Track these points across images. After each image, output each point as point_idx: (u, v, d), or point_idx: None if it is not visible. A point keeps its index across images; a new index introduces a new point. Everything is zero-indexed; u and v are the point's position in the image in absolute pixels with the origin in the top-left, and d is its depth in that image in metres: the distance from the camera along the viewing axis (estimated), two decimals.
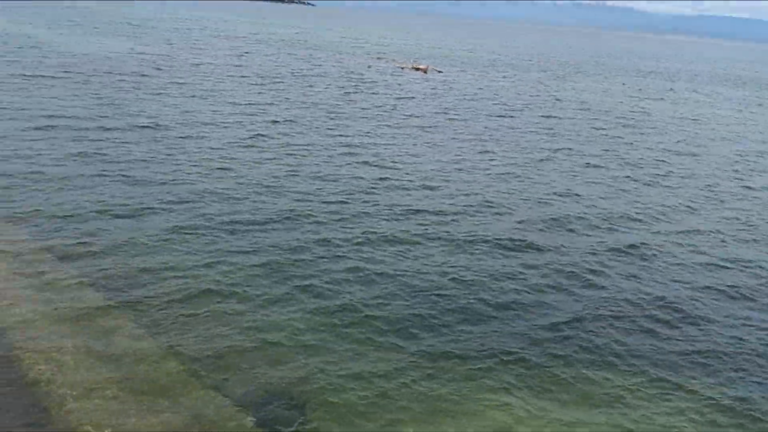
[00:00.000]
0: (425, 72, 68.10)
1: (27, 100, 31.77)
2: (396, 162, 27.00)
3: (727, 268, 18.73)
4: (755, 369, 13.34)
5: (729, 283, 17.54)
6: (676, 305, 15.83)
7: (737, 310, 16.01)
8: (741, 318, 15.60)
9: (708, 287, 17.17)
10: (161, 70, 48.71)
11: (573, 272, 17.14)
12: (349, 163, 26.16)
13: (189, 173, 22.64)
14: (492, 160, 29.14)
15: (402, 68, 70.14)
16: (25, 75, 39.22)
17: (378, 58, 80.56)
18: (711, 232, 21.80)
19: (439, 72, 70.12)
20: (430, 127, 36.16)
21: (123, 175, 21.69)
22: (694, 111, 55.01)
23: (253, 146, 27.51)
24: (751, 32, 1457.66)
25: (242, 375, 11.52)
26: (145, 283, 14.36)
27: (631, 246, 19.46)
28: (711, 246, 20.45)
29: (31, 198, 18.85)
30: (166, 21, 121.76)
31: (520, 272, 16.89)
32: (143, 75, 44.87)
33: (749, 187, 28.60)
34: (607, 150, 33.69)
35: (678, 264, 18.58)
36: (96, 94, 35.56)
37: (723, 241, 20.99)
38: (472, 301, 15.06)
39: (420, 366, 12.25)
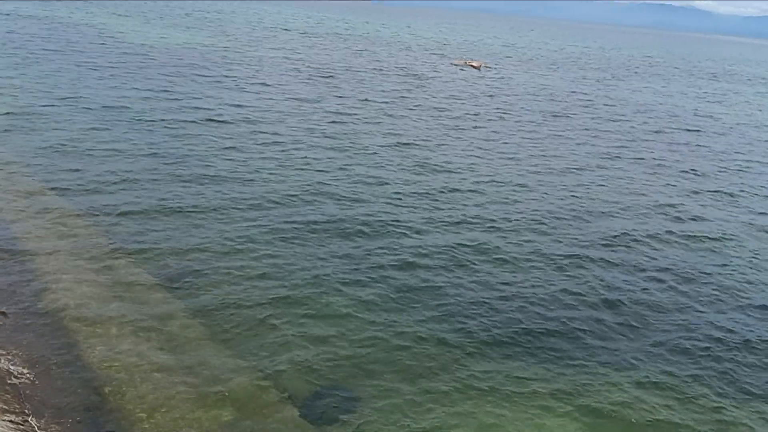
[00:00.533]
0: (478, 69, 67.04)
1: (84, 91, 32.25)
2: (444, 164, 26.16)
3: None
4: None
5: None
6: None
7: None
8: None
9: None
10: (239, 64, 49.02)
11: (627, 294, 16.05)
12: (400, 165, 25.52)
13: (243, 173, 22.33)
14: (540, 164, 27.97)
15: (456, 65, 69.17)
16: (86, 65, 40.10)
17: (436, 55, 79.74)
18: None
19: (491, 69, 68.96)
20: (480, 126, 35.17)
21: (183, 173, 21.55)
22: None
23: (304, 144, 27.13)
24: None
25: (296, 370, 11.56)
26: (215, 288, 14.15)
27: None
28: None
29: (94, 194, 18.84)
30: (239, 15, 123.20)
31: (572, 293, 15.89)
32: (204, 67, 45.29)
33: None
34: (671, 154, 32.17)
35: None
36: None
37: None
38: (521, 320, 14.27)
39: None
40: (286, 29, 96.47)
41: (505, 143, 31.63)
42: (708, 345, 13.93)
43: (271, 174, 22.48)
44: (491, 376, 12.01)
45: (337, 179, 22.69)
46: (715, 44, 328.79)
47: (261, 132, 28.18)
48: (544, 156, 29.63)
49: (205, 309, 13.25)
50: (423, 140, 30.12)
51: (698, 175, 28.93)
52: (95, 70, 38.90)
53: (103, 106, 29.27)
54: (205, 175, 21.44)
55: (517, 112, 41.03)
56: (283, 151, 25.68)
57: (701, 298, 16.25)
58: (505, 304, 14.80)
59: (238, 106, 33.15)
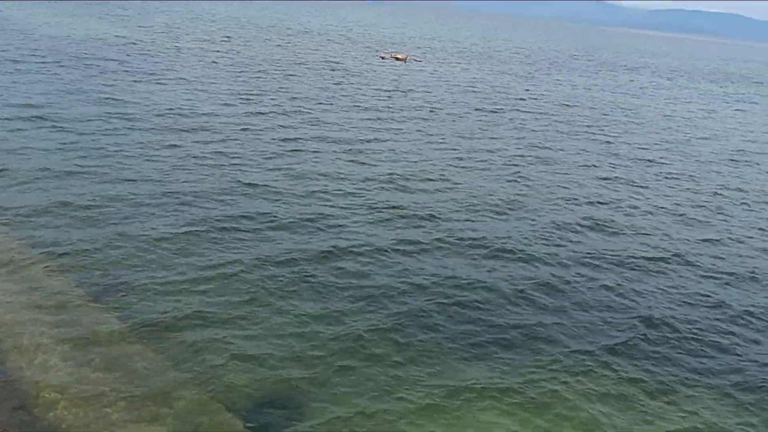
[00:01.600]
0: (404, 61, 67.21)
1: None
2: (368, 158, 26.10)
3: None
4: None
5: None
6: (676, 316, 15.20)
7: None
8: None
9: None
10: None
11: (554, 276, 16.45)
12: (323, 158, 25.24)
13: (167, 170, 21.51)
14: (465, 157, 28.30)
15: (382, 57, 69.10)
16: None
17: (364, 48, 79.38)
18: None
19: (419, 61, 69.26)
20: (400, 119, 35.17)
21: (101, 172, 20.52)
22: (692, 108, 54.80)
23: (224, 139, 26.37)
24: (725, 28, 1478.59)
25: (239, 381, 11.22)
26: (147, 300, 13.40)
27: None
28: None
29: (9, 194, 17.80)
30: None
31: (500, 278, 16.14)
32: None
33: None
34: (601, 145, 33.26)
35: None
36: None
37: None
38: (431, 302, 14.49)
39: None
40: (213, 21, 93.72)
41: (427, 135, 31.80)
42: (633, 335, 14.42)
43: (189, 172, 21.60)
44: (428, 375, 11.97)
45: (262, 175, 22.24)
46: (624, 37, 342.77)
47: (178, 129, 27.07)
48: (469, 149, 29.92)
49: (139, 323, 12.53)
50: (344, 134, 29.79)
51: (624, 167, 30.05)
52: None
53: (7, 104, 27.49)
54: (123, 177, 20.38)
55: (438, 105, 41.29)
56: (202, 147, 24.78)
57: (623, 283, 16.84)
58: (439, 301, 14.77)
59: (151, 100, 31.80)
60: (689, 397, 12.31)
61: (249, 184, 20.91)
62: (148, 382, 10.93)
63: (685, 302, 16.31)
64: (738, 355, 14.08)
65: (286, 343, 12.44)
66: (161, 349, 11.85)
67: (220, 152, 24.24)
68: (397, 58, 68.68)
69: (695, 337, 14.61)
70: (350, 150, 27.04)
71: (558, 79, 68.21)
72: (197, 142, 25.39)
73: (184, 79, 39.17)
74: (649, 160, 32.03)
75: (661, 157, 33.04)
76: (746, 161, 34.91)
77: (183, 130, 26.74)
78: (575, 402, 11.66)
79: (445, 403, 11.26)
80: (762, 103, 69.51)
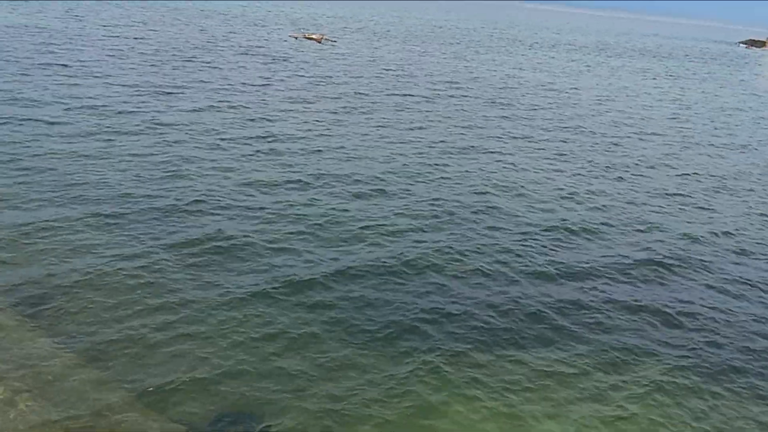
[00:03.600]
0: (319, 42, 66.13)
1: None
2: (288, 143, 25.56)
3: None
4: None
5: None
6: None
7: None
8: None
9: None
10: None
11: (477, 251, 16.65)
12: (241, 144, 24.47)
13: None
14: (381, 139, 28.26)
15: (295, 38, 67.78)
16: None
17: (274, 29, 77.57)
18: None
19: (334, 42, 68.32)
20: (304, 101, 34.34)
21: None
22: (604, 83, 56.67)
23: (141, 129, 25.20)
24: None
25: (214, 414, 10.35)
26: (82, 317, 12.32)
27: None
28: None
29: None
30: None
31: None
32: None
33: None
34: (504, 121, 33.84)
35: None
36: None
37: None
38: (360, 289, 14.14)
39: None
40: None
41: (341, 118, 31.09)
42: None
43: (102, 169, 20.05)
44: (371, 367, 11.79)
45: (179, 164, 21.15)
46: (531, 12, 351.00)
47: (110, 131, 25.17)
48: (388, 130, 29.62)
49: (77, 342, 11.55)
50: (261, 116, 28.83)
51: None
52: None
53: None
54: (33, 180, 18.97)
55: (352, 86, 40.95)
56: (108, 139, 23.11)
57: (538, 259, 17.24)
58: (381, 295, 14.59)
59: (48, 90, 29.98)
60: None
61: (172, 179, 20.01)
62: (88, 402, 10.19)
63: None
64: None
65: (246, 356, 11.70)
66: (100, 366, 11.00)
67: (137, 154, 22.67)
68: (312, 39, 67.49)
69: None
70: (271, 136, 26.37)
71: (493, 59, 69.08)
72: (99, 133, 23.82)
73: (91, 70, 36.96)
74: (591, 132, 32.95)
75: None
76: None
77: (114, 132, 24.41)
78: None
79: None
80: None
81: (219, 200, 17.90)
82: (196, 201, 17.64)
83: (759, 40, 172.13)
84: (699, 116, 42.42)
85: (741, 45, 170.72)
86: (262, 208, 17.83)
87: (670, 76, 70.30)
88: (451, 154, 25.47)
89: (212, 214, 17.02)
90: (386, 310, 13.20)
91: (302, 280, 13.98)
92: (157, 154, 21.48)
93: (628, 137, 32.42)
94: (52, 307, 12.34)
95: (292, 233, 16.45)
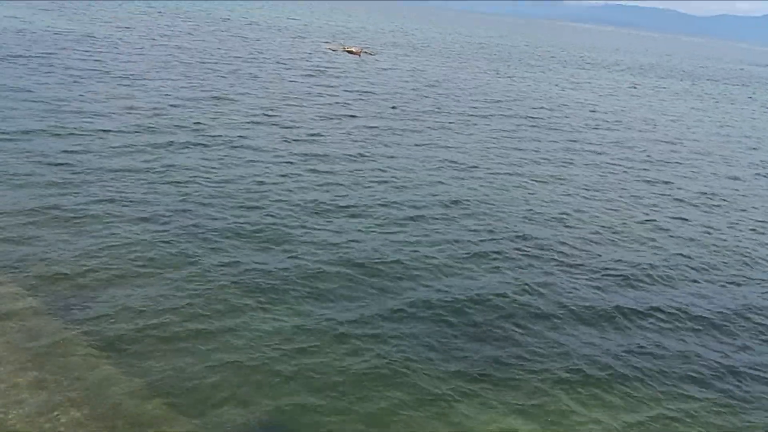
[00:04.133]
0: (358, 55, 66.07)
1: None
2: (330, 156, 25.19)
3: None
4: None
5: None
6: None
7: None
8: None
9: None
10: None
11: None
12: (285, 158, 24.14)
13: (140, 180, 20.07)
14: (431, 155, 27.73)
15: (333, 51, 67.83)
16: None
17: (320, 43, 77.90)
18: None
19: (372, 55, 68.23)
20: (359, 117, 34.25)
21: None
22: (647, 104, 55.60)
23: (182, 143, 24.99)
24: (662, 23, 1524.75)
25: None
26: (114, 315, 12.34)
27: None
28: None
29: None
30: None
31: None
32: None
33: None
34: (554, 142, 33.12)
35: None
36: None
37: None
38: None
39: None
40: (159, 12, 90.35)
41: (390, 134, 30.82)
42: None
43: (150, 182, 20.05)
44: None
45: (230, 183, 20.85)
46: (571, 31, 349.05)
47: (152, 134, 25.34)
48: (434, 146, 29.34)
49: (107, 338, 11.49)
50: (307, 132, 28.57)
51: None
52: None
53: None
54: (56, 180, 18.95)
55: (400, 101, 40.60)
56: (154, 154, 23.00)
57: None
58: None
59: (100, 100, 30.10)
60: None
61: (228, 195, 19.60)
62: (103, 393, 10.11)
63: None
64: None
65: (270, 364, 11.50)
66: (130, 364, 10.95)
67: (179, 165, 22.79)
68: (351, 52, 67.46)
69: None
70: (319, 152, 26.04)
71: (524, 76, 68.45)
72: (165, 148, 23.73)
73: (143, 77, 37.20)
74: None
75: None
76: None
77: (156, 137, 24.70)
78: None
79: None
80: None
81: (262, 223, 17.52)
82: (233, 223, 17.30)
83: None
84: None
85: None
86: (309, 234, 17.39)
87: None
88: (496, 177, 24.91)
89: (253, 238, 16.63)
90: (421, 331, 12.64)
91: (344, 301, 13.55)
92: (207, 171, 21.23)
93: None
94: (97, 316, 12.21)
95: (330, 262, 16.03)
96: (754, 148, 39.89)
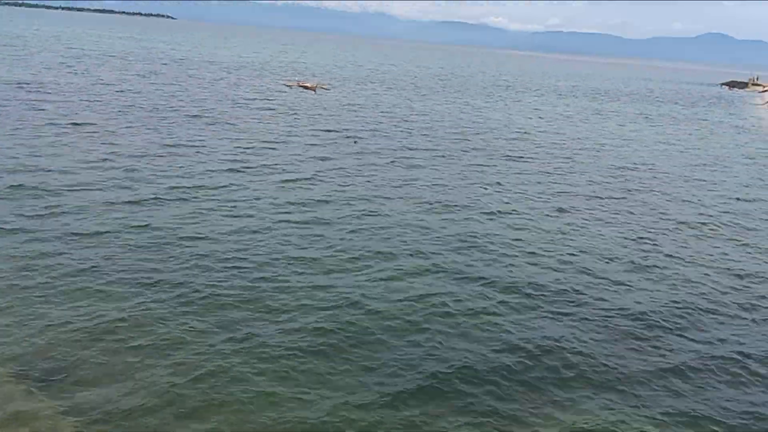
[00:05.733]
0: (314, 91, 65.58)
1: None
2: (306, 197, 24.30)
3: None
4: None
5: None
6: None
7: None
8: None
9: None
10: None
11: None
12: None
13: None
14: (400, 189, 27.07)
15: (289, 87, 67.24)
16: None
17: (259, 77, 77.16)
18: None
19: (327, 90, 67.93)
20: (321, 150, 33.62)
21: None
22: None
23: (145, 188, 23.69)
24: (601, 48, 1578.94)
25: None
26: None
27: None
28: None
29: None
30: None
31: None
32: None
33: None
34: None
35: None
36: None
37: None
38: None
39: None
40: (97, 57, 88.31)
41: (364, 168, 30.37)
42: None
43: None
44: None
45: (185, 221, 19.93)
46: (515, 59, 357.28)
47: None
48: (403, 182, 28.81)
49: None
50: (279, 179, 27.45)
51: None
52: None
53: None
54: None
55: (363, 134, 40.07)
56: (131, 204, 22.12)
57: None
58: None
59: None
60: None
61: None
62: None
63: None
64: None
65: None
66: None
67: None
68: (306, 87, 66.99)
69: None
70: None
71: (510, 106, 68.75)
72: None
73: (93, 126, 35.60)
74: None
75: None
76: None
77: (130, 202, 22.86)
78: None
79: None
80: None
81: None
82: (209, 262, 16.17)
83: (740, 81, 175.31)
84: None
85: (723, 87, 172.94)
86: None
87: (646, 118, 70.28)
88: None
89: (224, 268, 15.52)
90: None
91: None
92: (178, 227, 20.01)
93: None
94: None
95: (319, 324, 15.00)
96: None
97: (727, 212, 28.24)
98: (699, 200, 30.21)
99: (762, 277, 20.23)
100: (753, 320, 16.91)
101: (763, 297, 18.58)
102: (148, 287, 15.35)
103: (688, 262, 20.99)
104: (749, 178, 37.40)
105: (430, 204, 25.29)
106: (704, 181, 35.39)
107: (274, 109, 48.99)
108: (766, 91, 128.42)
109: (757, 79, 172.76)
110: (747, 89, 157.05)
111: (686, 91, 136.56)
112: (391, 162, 32.74)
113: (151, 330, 13.36)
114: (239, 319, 14.23)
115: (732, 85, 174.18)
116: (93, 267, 16.20)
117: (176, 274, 16.24)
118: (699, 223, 26.12)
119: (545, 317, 15.85)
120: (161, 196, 22.68)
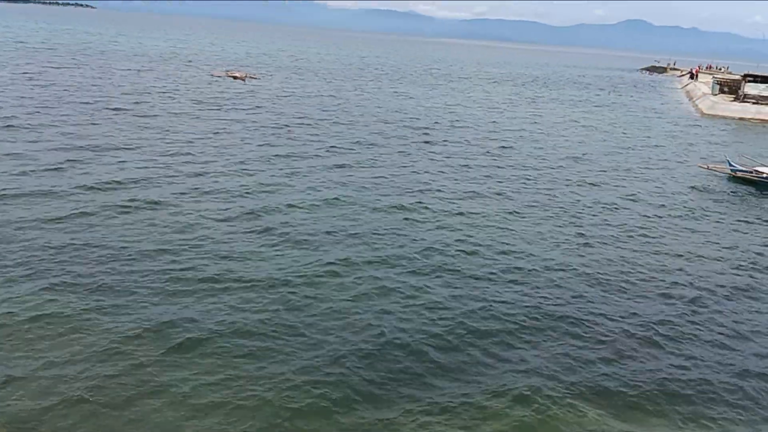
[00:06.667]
0: (243, 80, 64.24)
1: None
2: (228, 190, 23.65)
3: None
4: None
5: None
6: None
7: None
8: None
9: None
10: None
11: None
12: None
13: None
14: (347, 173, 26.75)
15: (217, 77, 65.59)
16: None
17: (188, 67, 75.00)
18: None
19: (256, 79, 66.76)
20: (253, 142, 32.90)
21: None
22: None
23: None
24: (527, 35, 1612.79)
25: None
26: None
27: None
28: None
29: None
30: None
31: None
32: None
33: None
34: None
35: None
36: None
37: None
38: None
39: None
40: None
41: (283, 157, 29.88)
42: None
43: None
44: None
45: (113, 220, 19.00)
46: (446, 47, 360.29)
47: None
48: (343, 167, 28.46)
49: None
50: (201, 162, 26.95)
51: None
52: None
53: None
54: None
55: (288, 123, 39.45)
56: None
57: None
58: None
59: None
60: None
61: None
62: None
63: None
64: None
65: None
66: None
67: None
68: (235, 77, 65.56)
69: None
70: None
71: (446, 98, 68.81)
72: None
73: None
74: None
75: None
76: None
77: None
78: None
79: None
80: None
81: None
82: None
83: (659, 66, 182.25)
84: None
85: (644, 72, 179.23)
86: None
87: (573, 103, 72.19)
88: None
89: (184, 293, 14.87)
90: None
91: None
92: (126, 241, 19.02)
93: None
94: None
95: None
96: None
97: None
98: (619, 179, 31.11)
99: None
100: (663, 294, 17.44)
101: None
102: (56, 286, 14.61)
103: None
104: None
105: (360, 191, 25.11)
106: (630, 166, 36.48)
107: (202, 102, 47.46)
108: (683, 75, 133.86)
109: (675, 64, 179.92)
110: (665, 74, 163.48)
111: (611, 77, 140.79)
112: (324, 151, 32.35)
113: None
114: (161, 312, 13.73)
115: (652, 70, 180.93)
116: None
117: (81, 268, 15.53)
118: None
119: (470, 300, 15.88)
120: (81, 199, 21.58)
